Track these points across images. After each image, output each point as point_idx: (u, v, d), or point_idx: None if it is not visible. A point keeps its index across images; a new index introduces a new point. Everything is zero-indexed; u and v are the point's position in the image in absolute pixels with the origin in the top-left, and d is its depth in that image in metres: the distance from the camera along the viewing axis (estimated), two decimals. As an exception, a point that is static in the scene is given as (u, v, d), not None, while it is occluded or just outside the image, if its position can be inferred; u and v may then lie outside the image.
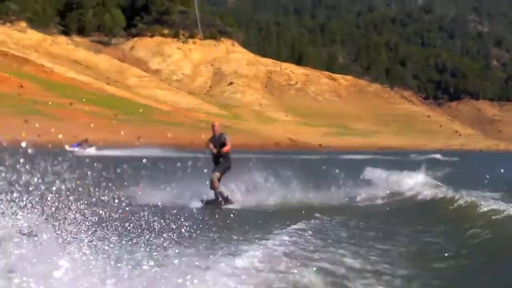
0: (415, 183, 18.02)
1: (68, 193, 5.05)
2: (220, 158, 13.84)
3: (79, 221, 5.05)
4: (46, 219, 4.76)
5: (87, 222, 5.23)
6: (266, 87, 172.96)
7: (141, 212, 6.56)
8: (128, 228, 5.78)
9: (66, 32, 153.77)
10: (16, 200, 4.75)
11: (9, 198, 4.74)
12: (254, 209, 12.72)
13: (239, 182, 14.48)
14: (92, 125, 78.04)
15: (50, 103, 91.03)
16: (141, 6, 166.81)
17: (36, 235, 4.44)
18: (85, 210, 5.21)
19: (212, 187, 13.56)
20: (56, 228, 4.77)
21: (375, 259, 7.22)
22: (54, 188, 4.85)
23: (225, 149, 13.77)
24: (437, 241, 8.97)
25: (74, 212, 5.09)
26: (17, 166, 4.76)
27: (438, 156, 63.77)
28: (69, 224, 4.95)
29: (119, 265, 4.74)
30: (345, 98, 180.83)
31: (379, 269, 6.62)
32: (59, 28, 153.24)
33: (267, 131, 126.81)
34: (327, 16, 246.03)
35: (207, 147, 13.92)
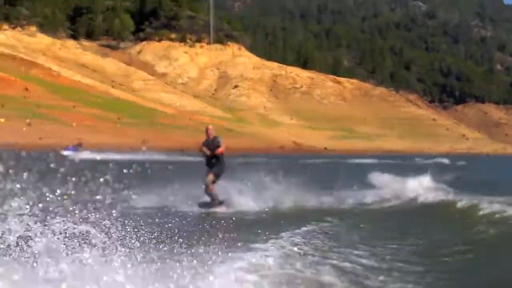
0: (422, 187, 18.01)
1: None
2: (214, 161, 14.06)
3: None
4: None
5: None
6: (271, 90, 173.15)
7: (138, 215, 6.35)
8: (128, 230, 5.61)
9: (75, 36, 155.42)
10: None
11: None
12: (265, 212, 12.91)
13: (247, 185, 14.55)
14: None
15: (54, 106, 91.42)
16: (150, 11, 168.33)
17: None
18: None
19: (206, 190, 13.79)
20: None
21: (389, 257, 7.56)
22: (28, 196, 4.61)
23: (219, 150, 13.99)
24: (445, 239, 9.38)
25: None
26: None
27: (444, 160, 63.34)
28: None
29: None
30: (350, 102, 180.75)
31: (394, 266, 6.96)
32: (68, 33, 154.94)
33: (272, 134, 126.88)
34: (332, 21, 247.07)
35: (201, 151, 14.20)
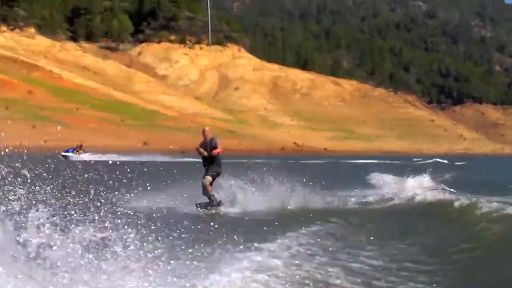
0: (421, 186, 18.23)
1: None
2: (211, 161, 14.09)
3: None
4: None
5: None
6: (271, 92, 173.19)
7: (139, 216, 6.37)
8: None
9: (74, 38, 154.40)
10: None
11: None
12: (270, 212, 12.98)
13: (251, 186, 14.65)
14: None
15: (57, 108, 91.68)
16: (148, 12, 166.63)
17: None
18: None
19: (205, 192, 13.78)
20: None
21: (397, 256, 7.67)
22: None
23: (216, 151, 14.00)
24: (448, 237, 9.55)
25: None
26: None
27: (442, 160, 63.79)
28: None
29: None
30: (349, 103, 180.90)
31: (403, 266, 7.06)
32: (67, 34, 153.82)
33: (272, 136, 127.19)
34: (332, 21, 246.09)
35: (198, 152, 14.24)
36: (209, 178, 13.82)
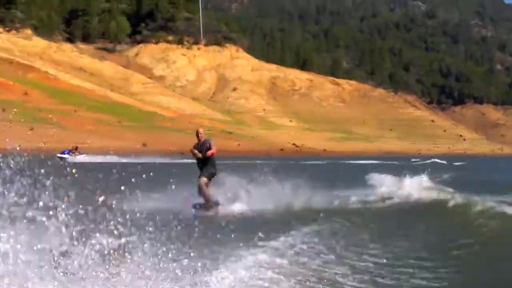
0: (419, 186, 18.50)
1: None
2: (206, 162, 14.07)
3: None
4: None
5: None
6: (270, 92, 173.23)
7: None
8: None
9: (70, 39, 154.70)
10: None
11: None
12: (274, 212, 13.08)
13: (254, 186, 14.74)
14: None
15: (54, 110, 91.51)
16: (146, 13, 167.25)
17: None
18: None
19: (201, 193, 13.75)
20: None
21: (400, 254, 7.85)
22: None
23: (210, 152, 14.02)
24: (449, 234, 9.88)
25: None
26: None
27: (441, 160, 63.76)
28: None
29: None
30: (349, 103, 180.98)
31: (407, 263, 7.23)
32: (64, 35, 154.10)
33: (271, 136, 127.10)
34: (331, 21, 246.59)
35: (192, 154, 14.24)
36: (204, 179, 13.85)
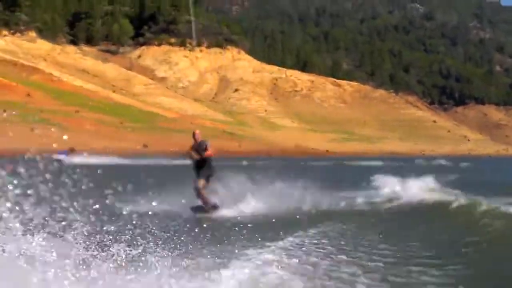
0: (426, 187, 18.55)
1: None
2: (203, 164, 13.93)
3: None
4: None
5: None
6: (271, 93, 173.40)
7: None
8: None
9: (74, 42, 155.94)
10: None
11: None
12: (282, 212, 13.04)
13: (257, 187, 14.75)
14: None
15: (56, 111, 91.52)
16: (149, 16, 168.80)
17: None
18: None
19: (198, 195, 13.62)
20: None
21: (409, 253, 7.95)
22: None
23: (207, 153, 13.91)
24: (456, 233, 10.07)
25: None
26: None
27: (446, 162, 63.52)
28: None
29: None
30: (350, 104, 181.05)
31: (416, 261, 7.32)
32: (68, 38, 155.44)
33: (273, 137, 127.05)
34: (331, 24, 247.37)
35: (189, 155, 14.08)
36: (202, 181, 13.70)
